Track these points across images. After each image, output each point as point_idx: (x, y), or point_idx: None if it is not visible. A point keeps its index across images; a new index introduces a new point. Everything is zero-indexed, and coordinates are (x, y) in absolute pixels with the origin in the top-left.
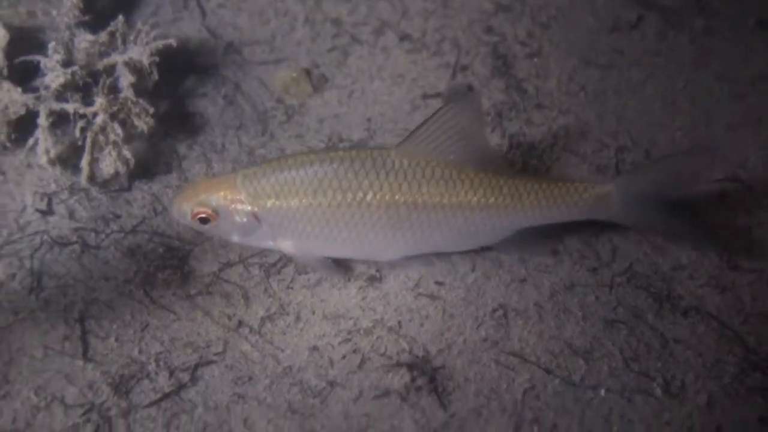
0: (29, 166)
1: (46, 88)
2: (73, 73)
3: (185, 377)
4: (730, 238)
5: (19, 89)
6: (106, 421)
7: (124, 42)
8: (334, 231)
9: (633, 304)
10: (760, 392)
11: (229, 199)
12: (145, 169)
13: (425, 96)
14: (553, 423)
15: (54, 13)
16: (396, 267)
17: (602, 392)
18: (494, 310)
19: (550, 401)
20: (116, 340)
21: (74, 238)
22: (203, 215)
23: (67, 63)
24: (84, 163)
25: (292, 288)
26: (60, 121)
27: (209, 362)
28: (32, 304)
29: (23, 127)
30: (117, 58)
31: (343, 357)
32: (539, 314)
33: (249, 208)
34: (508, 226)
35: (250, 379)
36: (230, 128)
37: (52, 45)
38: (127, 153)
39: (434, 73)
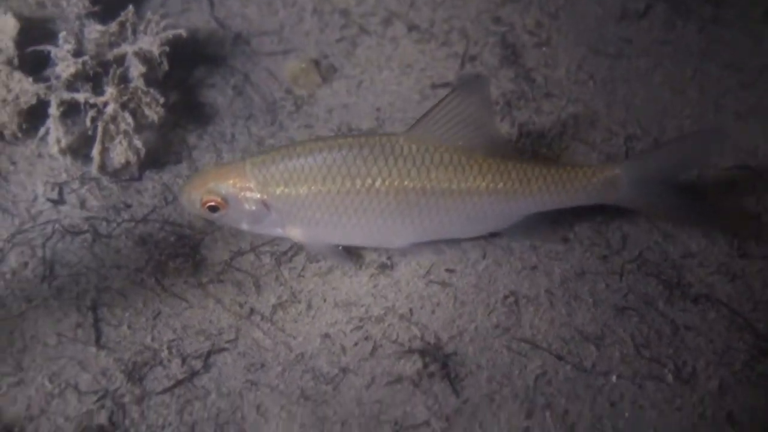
0: (40, 156)
1: (57, 77)
2: (83, 63)
3: (198, 364)
4: (739, 226)
5: (30, 79)
6: (120, 408)
7: (134, 32)
8: (343, 218)
9: (643, 291)
10: None
11: (238, 187)
12: (155, 158)
13: (434, 86)
14: (565, 409)
15: (64, 3)
16: (407, 255)
17: (614, 378)
18: (505, 297)
19: (562, 387)
20: (129, 327)
21: (86, 227)
22: (213, 203)
23: (77, 53)
24: (95, 152)
25: (303, 276)
26: (70, 111)
27: (221, 349)
28: (45, 292)
29: (34, 117)
30: (127, 48)
31: (355, 344)
32: (550, 301)
33: (258, 195)
34: (517, 211)
35: (263, 366)
36: (239, 118)
37: (62, 35)
38: (137, 142)
39: (443, 63)
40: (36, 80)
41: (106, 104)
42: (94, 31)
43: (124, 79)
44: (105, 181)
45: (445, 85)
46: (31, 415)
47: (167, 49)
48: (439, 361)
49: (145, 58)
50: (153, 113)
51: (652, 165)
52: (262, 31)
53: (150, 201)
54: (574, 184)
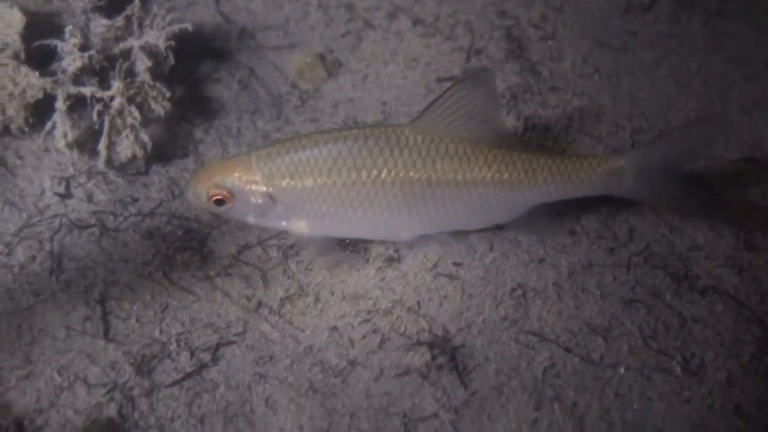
0: (47, 150)
1: (64, 71)
2: (90, 57)
3: (206, 357)
4: (744, 219)
5: (37, 73)
6: (129, 400)
7: (140, 26)
8: (349, 210)
9: (651, 283)
10: None
11: (244, 180)
12: (161, 153)
13: (439, 79)
14: (574, 401)
15: None
16: (414, 248)
17: (622, 370)
18: (513, 290)
19: (570, 379)
20: (137, 320)
21: (93, 221)
22: (219, 197)
23: (83, 47)
24: (102, 146)
25: (310, 269)
26: (77, 105)
27: (230, 342)
28: (53, 285)
29: (41, 111)
30: (133, 42)
31: (363, 337)
32: (558, 294)
33: (264, 188)
34: (522, 202)
35: (271, 358)
36: (245, 112)
37: (68, 29)
38: (144, 136)
39: (448, 57)
40: (42, 74)
41: (112, 98)
42: (100, 25)
43: (130, 73)
44: (112, 175)
45: (451, 78)
46: (41, 407)
47: (173, 43)
48: (448, 354)
49: (151, 52)
50: (159, 107)
51: (657, 155)
52: (268, 26)
53: (157, 195)
54: (579, 174)
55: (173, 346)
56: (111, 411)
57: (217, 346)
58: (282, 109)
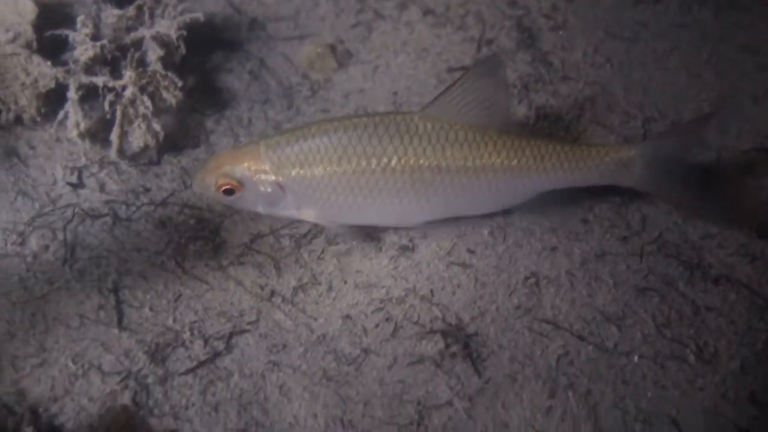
0: (58, 140)
1: (75, 61)
2: (102, 47)
3: (220, 345)
4: (758, 208)
5: (49, 63)
6: (143, 388)
7: (152, 16)
8: (359, 198)
9: (664, 272)
10: None
11: (253, 170)
12: (173, 143)
13: (450, 69)
14: (588, 389)
15: None
16: (427, 236)
17: (635, 358)
18: (526, 278)
19: (584, 367)
20: (150, 309)
21: (105, 211)
22: (228, 187)
23: (95, 37)
24: (114, 136)
25: (323, 258)
26: (88, 95)
27: (243, 331)
28: (66, 274)
29: (53, 101)
30: (145, 32)
31: (377, 325)
32: (571, 282)
33: (273, 177)
34: (531, 188)
35: (285, 347)
36: (256, 103)
37: (80, 19)
38: (156, 126)
39: (459, 47)
40: (54, 64)
41: (124, 88)
42: (111, 15)
43: (141, 63)
44: (124, 165)
45: (462, 68)
46: (56, 395)
47: (184, 33)
48: (461, 342)
49: (162, 41)
50: (171, 96)
51: (667, 148)
52: (278, 17)
53: (169, 185)
54: (587, 162)
55: (187, 335)
56: (125, 399)
57: (231, 335)
58: (293, 100)
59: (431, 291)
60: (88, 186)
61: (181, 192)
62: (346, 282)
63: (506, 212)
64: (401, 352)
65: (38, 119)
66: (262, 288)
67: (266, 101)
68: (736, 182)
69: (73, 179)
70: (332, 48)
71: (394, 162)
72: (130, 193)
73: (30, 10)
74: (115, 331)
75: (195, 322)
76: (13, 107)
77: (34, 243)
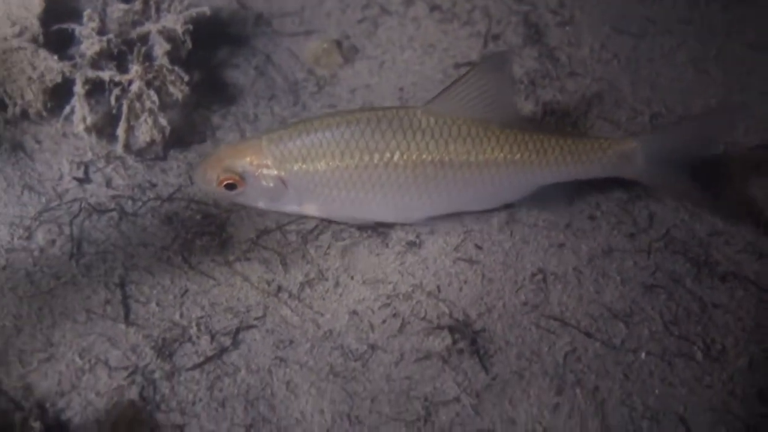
0: (65, 135)
1: (82, 56)
2: (108, 41)
3: (227, 341)
4: (765, 204)
5: (55, 57)
6: (150, 383)
7: (158, 10)
8: (361, 193)
9: (671, 269)
10: None
11: (255, 164)
12: (179, 138)
13: (457, 65)
14: (595, 386)
15: None
16: (434, 232)
17: (643, 355)
18: (533, 275)
19: (592, 364)
20: (157, 304)
21: (112, 206)
22: (230, 181)
23: (101, 31)
24: (120, 130)
25: (329, 254)
26: (94, 90)
27: (250, 327)
28: (73, 269)
29: (59, 95)
30: (151, 26)
31: (383, 321)
32: (578, 278)
33: (275, 172)
34: (533, 182)
35: (291, 342)
36: (262, 98)
37: (86, 13)
38: (163, 120)
39: (466, 43)
40: (61, 58)
41: (131, 82)
42: (117, 9)
43: (148, 58)
44: (130, 160)
45: (469, 64)
46: (63, 390)
47: (190, 27)
48: (468, 338)
49: (169, 36)
50: (178, 91)
51: (669, 141)
52: (284, 12)
53: (175, 180)
54: (590, 155)
55: (194, 330)
56: (132, 394)
57: (238, 330)
58: (299, 96)
59: (438, 287)
60: (94, 181)
61: (188, 187)
62: (352, 278)
63: (513, 208)
64: (408, 348)
65: (44, 114)
66: (268, 283)
67: (272, 97)
68: (741, 178)
69: (80, 174)
70: (338, 43)
71: (396, 157)
72: (137, 188)
73: (36, 4)
74: (122, 326)
75: (202, 317)
76: (19, 102)
77: (40, 237)
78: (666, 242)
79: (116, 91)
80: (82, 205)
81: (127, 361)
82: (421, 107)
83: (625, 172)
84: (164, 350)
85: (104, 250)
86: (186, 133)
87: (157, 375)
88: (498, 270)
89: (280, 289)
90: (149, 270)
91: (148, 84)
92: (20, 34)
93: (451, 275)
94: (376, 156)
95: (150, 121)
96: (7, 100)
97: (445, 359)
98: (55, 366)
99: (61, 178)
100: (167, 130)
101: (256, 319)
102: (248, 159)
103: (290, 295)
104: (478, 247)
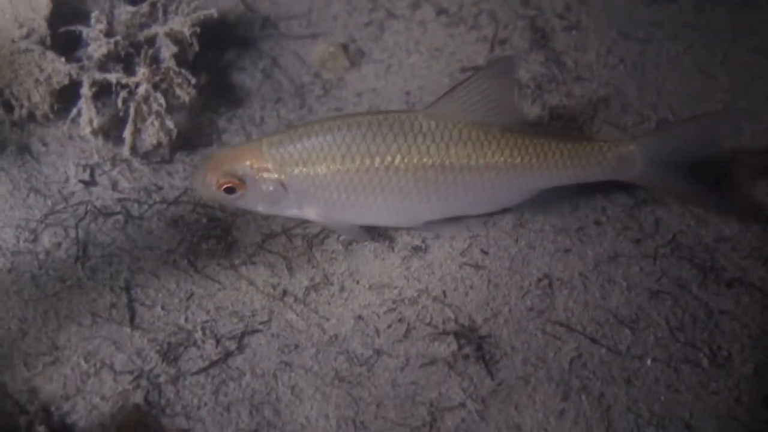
0: (71, 137)
1: (89, 58)
2: (115, 43)
3: (232, 345)
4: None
5: (63, 59)
6: (155, 387)
7: (165, 13)
8: (362, 197)
9: (677, 275)
10: None
11: (255, 168)
12: (185, 141)
13: (463, 69)
14: (601, 392)
15: None
16: (440, 237)
17: (649, 362)
18: (539, 280)
19: (597, 370)
20: (162, 308)
21: (118, 209)
22: (229, 185)
23: (109, 34)
24: (127, 133)
25: (335, 258)
26: (101, 93)
27: (255, 331)
28: (79, 272)
29: (65, 98)
30: (158, 29)
31: (389, 326)
32: (584, 284)
33: (276, 176)
34: (534, 185)
35: (297, 347)
36: (269, 101)
37: (94, 15)
38: (170, 123)
39: (472, 47)
40: (68, 60)
41: (138, 85)
42: (125, 11)
43: (155, 60)
44: (136, 162)
45: (475, 68)
46: (68, 393)
47: (198, 30)
48: (474, 343)
49: (176, 38)
50: (185, 94)
51: (668, 143)
52: (291, 15)
53: (181, 183)
54: (589, 159)
55: (199, 334)
56: (137, 398)
57: (243, 335)
58: (305, 99)
59: (444, 292)
60: (100, 184)
61: (194, 191)
62: (358, 282)
63: (520, 213)
64: (414, 354)
65: (51, 116)
66: (274, 288)
67: (278, 100)
68: (748, 183)
69: (86, 177)
70: (344, 47)
71: (397, 160)
72: (143, 191)
73: (44, 6)
74: (127, 329)
75: (207, 321)
76: (26, 104)
77: (46, 240)
78: (672, 248)
79: (123, 94)
80: (88, 208)
81: (133, 365)
82: (423, 111)
83: (625, 175)
84: (169, 354)
85: (110, 254)
86: (192, 136)
87: (162, 379)
88: (504, 275)
89: (285, 293)
90: (155, 273)
91: (155, 86)
92: (27, 36)
93: (457, 280)
94: (377, 160)
95: (157, 123)
96: (13, 102)
97: (451, 365)
98: (60, 369)
99: (67, 180)
100: (174, 133)
101: (261, 323)
102: (248, 162)
103: (296, 300)
104: (484, 252)
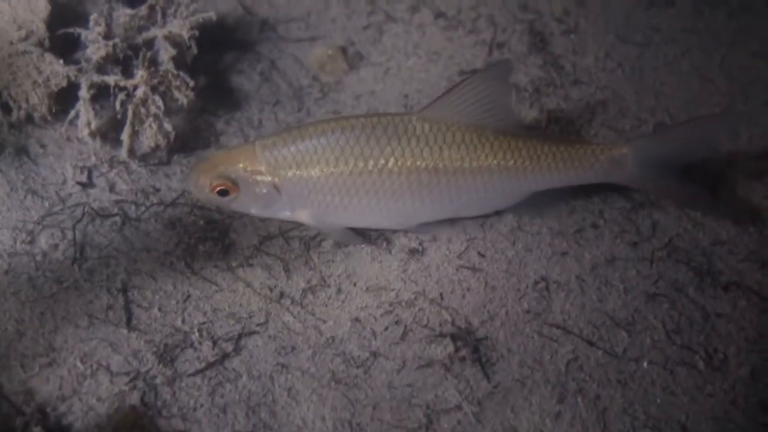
0: (69, 139)
1: (87, 60)
2: (114, 46)
3: (229, 347)
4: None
5: (61, 61)
6: (152, 389)
7: (164, 16)
8: (355, 199)
9: (674, 278)
10: None
11: (249, 171)
12: (183, 143)
13: (462, 73)
14: (597, 394)
15: None
16: (437, 240)
17: (645, 364)
18: (536, 283)
19: (594, 372)
20: (159, 309)
21: (115, 211)
22: (222, 188)
23: (107, 36)
24: (125, 135)
25: (332, 261)
26: (99, 95)
27: (252, 333)
28: (75, 274)
29: (63, 100)
30: (157, 31)
31: (386, 328)
32: (581, 287)
33: (269, 178)
34: (526, 188)
35: (293, 349)
36: (267, 104)
37: (93, 17)
38: (167, 126)
39: (470, 50)
40: (66, 63)
41: (136, 87)
42: (123, 14)
43: (153, 63)
44: (134, 164)
45: (474, 72)
46: (64, 395)
47: (196, 33)
48: (470, 346)
49: (174, 41)
50: (183, 96)
51: (660, 146)
52: (289, 18)
53: (178, 185)
54: (582, 161)
55: (195, 336)
56: (134, 399)
57: (240, 336)
58: (303, 102)
59: (441, 294)
60: (97, 185)
61: (191, 193)
62: (355, 284)
63: (517, 216)
64: (410, 356)
65: (49, 118)
66: (271, 290)
67: (277, 103)
68: (744, 187)
69: (83, 178)
70: (343, 50)
71: (391, 163)
72: (140, 193)
73: (42, 8)
74: (124, 331)
75: (204, 323)
76: (24, 105)
77: (43, 242)
78: (669, 251)
79: (121, 96)
80: (85, 210)
81: (129, 366)
82: (416, 114)
83: (617, 178)
84: (166, 356)
85: (107, 255)
86: (190, 139)
87: (158, 380)
88: (501, 278)
89: (282, 295)
90: (152, 275)
91: (153, 89)
92: (26, 38)
93: (454, 283)
94: (371, 162)
95: (155, 126)
96: (11, 104)
97: (447, 367)
98: (56, 371)
99: (64, 182)
100: (172, 135)
101: (258, 325)
102: (242, 165)
103: (292, 302)
104: (481, 255)
